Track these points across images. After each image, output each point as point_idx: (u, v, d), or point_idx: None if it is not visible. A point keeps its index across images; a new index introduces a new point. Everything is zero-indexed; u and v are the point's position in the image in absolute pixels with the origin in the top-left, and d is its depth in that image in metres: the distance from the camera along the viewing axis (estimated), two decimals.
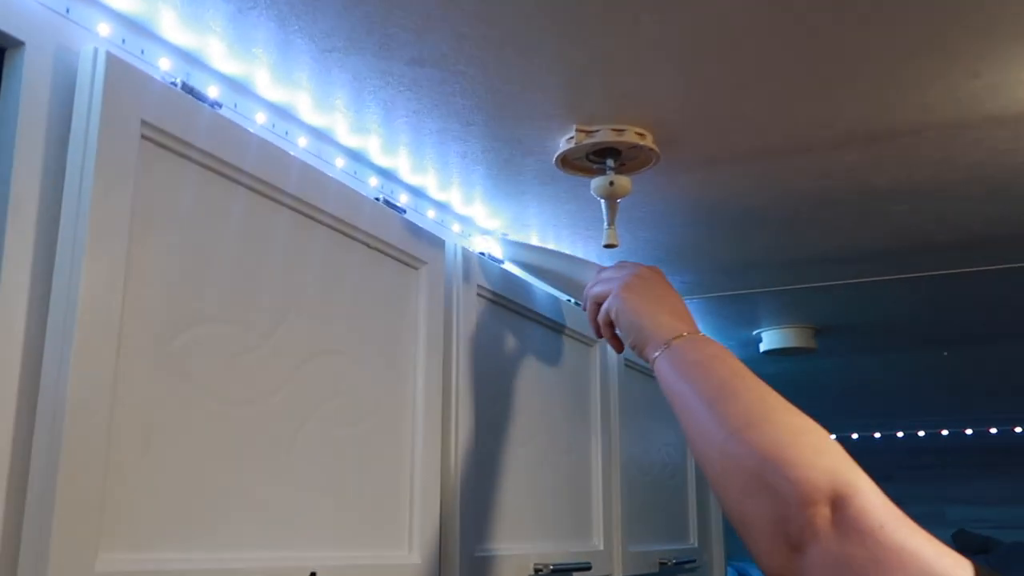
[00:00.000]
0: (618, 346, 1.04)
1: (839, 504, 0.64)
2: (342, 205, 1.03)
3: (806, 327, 2.10)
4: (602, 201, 1.15)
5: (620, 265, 1.04)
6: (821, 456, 0.68)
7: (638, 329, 0.92)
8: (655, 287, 0.96)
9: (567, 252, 1.31)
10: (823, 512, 0.64)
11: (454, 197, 1.34)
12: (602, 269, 1.07)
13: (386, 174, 1.24)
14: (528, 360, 1.39)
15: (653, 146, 1.11)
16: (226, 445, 0.85)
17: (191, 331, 0.82)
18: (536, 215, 1.39)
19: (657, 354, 0.88)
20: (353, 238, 1.06)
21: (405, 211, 1.19)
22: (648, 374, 1.89)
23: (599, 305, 1.02)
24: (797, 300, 1.89)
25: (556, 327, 1.50)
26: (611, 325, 1.01)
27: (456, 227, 1.41)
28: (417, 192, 1.30)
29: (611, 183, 1.12)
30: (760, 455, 0.68)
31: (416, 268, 1.17)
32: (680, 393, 0.80)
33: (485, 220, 1.43)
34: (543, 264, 1.24)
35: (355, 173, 1.18)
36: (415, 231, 1.17)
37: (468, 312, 1.24)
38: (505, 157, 1.18)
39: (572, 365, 1.55)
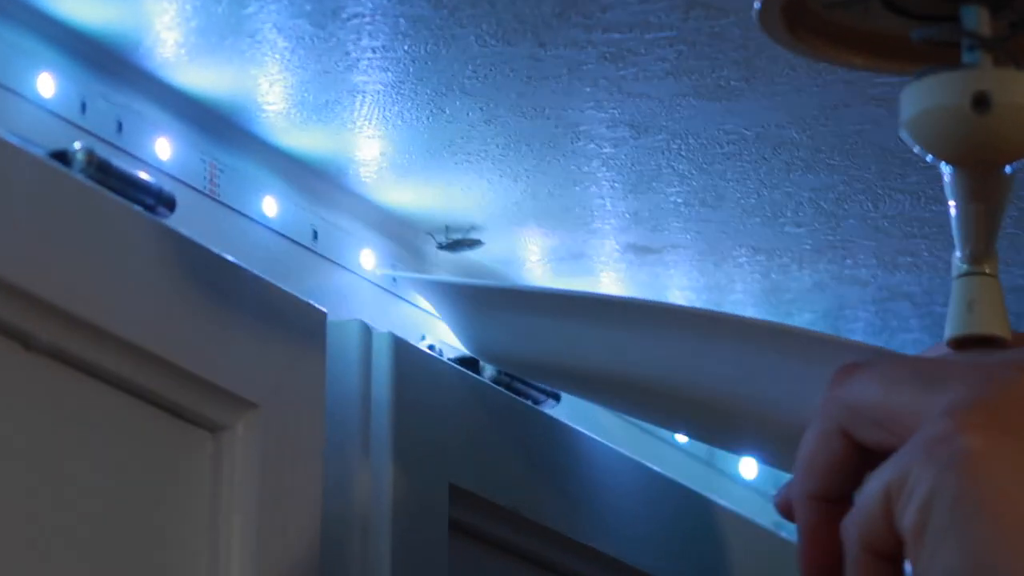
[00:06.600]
0: None
1: None
2: None
3: None
4: (946, 170, 0.80)
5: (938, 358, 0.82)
6: None
7: None
8: None
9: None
10: None
11: (363, 149, 1.27)
12: (868, 353, 1.03)
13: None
14: None
15: None
16: None
17: None
18: (673, 216, 1.35)
19: None
20: None
21: (173, 204, 1.03)
22: None
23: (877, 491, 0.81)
24: None
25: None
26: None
27: (368, 259, 1.35)
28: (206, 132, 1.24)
29: (982, 98, 0.81)
30: None
31: (213, 431, 1.01)
32: None
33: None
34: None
35: None
36: (225, 281, 1.01)
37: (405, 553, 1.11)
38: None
39: None
